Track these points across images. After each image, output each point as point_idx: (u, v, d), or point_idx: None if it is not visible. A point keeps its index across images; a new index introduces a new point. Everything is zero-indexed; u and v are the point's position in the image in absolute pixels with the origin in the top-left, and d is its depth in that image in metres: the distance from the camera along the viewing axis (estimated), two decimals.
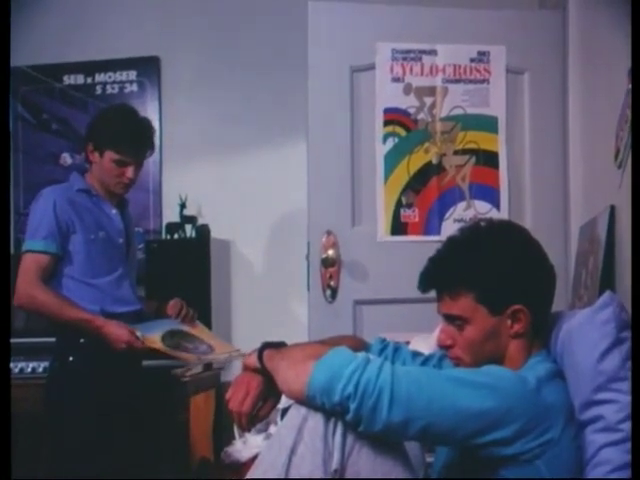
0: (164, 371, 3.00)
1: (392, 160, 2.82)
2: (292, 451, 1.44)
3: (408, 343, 2.02)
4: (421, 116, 2.84)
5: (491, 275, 1.53)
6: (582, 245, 2.39)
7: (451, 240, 1.61)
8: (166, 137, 3.81)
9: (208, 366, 3.35)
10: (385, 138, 2.82)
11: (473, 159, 2.85)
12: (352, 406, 1.39)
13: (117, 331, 2.47)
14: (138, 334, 2.49)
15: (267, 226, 3.72)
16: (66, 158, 3.85)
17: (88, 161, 2.64)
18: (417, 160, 2.83)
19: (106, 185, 2.61)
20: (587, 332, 1.52)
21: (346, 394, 1.39)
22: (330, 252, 2.74)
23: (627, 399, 1.46)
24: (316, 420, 1.45)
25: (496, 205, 2.85)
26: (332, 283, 2.76)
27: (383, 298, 2.78)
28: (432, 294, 1.61)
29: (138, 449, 2.61)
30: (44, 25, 3.82)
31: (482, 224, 1.63)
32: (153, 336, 2.56)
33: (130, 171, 2.58)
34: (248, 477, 1.51)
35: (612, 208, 2.06)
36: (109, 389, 2.49)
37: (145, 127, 2.65)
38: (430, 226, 2.82)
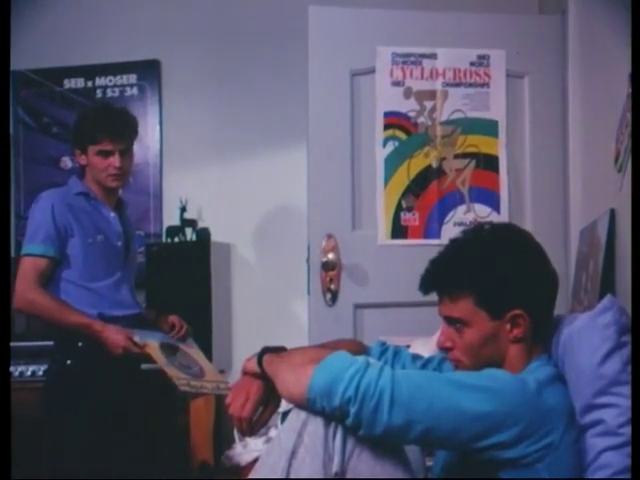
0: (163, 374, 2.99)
1: (392, 164, 2.82)
2: (292, 455, 1.44)
3: (408, 347, 2.02)
4: (421, 120, 2.84)
5: (491, 278, 1.52)
6: (582, 249, 2.39)
7: (453, 242, 1.61)
8: (166, 140, 3.82)
9: None
10: (385, 142, 2.82)
11: (473, 163, 2.85)
12: (352, 410, 1.38)
13: (115, 336, 2.46)
14: (136, 339, 2.49)
15: (267, 229, 3.73)
16: (66, 162, 3.85)
17: (81, 167, 2.66)
18: (417, 164, 2.83)
19: (100, 182, 2.60)
20: (588, 336, 1.52)
21: (346, 397, 1.38)
22: (330, 256, 2.74)
23: (628, 403, 1.45)
24: (316, 424, 1.45)
25: (496, 209, 2.85)
26: (332, 287, 2.76)
27: (383, 302, 2.77)
28: (432, 297, 1.60)
29: (138, 453, 2.60)
30: (45, 29, 3.83)
31: (484, 227, 1.63)
32: (152, 343, 2.55)
33: (115, 159, 2.56)
34: None
35: (612, 211, 2.06)
36: (108, 392, 2.49)
37: (118, 114, 2.66)
38: (430, 230, 2.82)
